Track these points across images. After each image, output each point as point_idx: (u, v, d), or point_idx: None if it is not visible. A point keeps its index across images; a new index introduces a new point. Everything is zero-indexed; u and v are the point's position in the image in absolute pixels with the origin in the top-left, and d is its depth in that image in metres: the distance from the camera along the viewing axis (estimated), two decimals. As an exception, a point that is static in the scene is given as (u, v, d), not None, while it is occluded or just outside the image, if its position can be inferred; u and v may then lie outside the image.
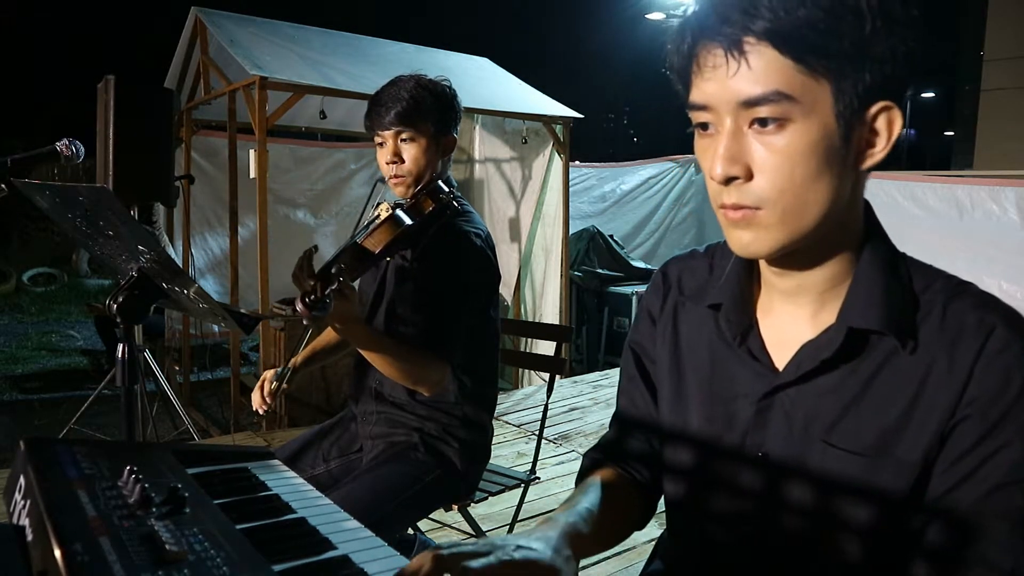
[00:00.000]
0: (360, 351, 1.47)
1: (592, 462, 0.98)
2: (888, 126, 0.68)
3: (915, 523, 0.74)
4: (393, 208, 1.47)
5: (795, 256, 0.74)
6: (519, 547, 0.64)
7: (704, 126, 0.71)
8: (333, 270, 1.22)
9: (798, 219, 0.68)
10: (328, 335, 1.83)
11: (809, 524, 0.76)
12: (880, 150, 0.69)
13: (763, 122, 0.66)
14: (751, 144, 0.67)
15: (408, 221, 1.46)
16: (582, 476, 0.96)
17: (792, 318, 0.79)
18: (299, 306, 1.22)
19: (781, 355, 0.79)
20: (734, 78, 0.66)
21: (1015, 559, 0.68)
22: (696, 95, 0.70)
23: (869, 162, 0.70)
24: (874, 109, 0.67)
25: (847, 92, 0.65)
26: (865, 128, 0.68)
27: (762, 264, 0.80)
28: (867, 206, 0.76)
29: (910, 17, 0.65)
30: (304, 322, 1.24)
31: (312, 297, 1.21)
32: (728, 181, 0.68)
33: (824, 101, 0.65)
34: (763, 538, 0.80)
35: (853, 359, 0.74)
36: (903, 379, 0.72)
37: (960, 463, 0.70)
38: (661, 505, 0.96)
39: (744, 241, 0.71)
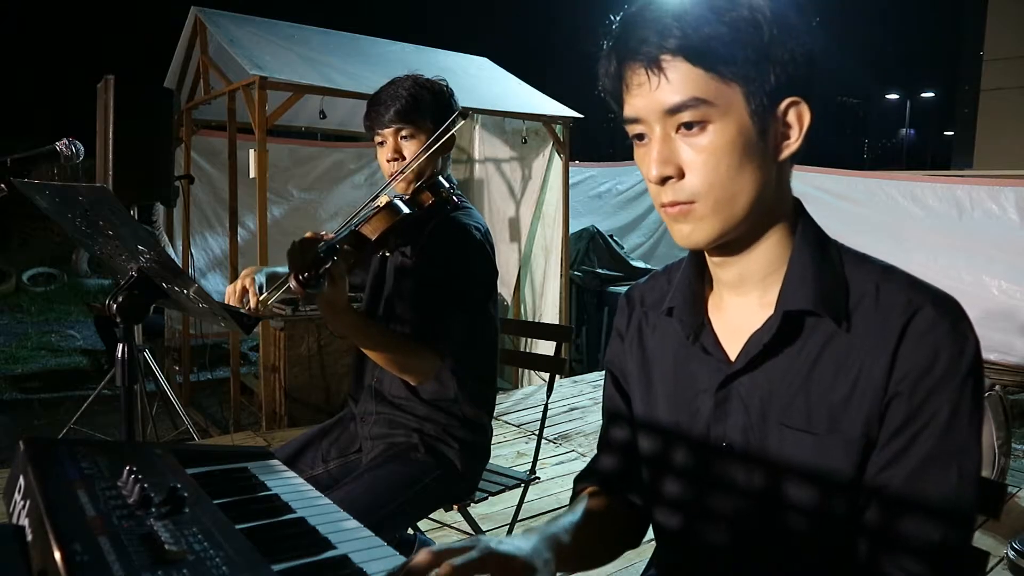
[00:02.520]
0: (354, 339, 1.48)
1: (581, 487, 1.01)
2: (799, 119, 0.76)
3: (860, 501, 0.77)
4: (391, 198, 1.49)
5: (731, 244, 0.80)
6: (502, 543, 0.67)
7: (640, 137, 0.78)
8: (323, 246, 1.28)
9: (729, 208, 0.75)
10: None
11: (778, 507, 0.79)
12: (794, 141, 0.76)
13: (688, 126, 0.74)
14: (680, 147, 0.75)
15: (405, 210, 1.47)
16: (572, 502, 0.99)
17: (740, 311, 0.83)
18: (293, 283, 1.27)
19: (734, 347, 0.83)
20: (657, 91, 0.73)
21: (944, 532, 0.72)
22: (628, 110, 0.77)
23: (786, 152, 0.77)
24: (783, 105, 0.75)
25: (756, 93, 0.73)
26: (779, 123, 0.75)
27: (708, 261, 0.85)
28: (796, 198, 0.82)
29: (805, 23, 0.74)
30: (300, 301, 1.29)
31: (306, 275, 1.26)
32: (663, 181, 0.75)
33: (738, 102, 0.73)
34: (737, 526, 0.83)
35: (794, 342, 0.79)
36: (844, 359, 0.76)
37: (893, 441, 0.74)
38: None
39: (685, 232, 0.77)
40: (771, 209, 0.78)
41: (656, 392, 0.91)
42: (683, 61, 0.72)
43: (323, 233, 1.41)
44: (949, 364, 0.72)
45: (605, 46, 0.78)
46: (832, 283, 0.78)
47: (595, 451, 1.04)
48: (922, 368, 0.72)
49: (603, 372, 5.12)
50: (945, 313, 0.73)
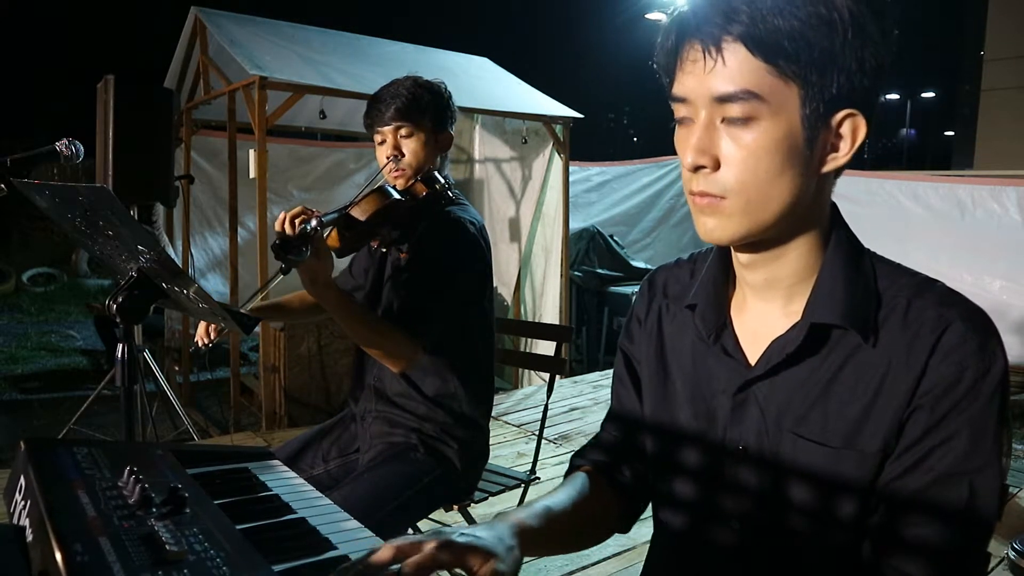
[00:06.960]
0: (334, 315, 1.48)
1: (576, 466, 1.00)
2: (852, 132, 0.72)
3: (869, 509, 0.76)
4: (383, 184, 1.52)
5: (761, 247, 0.78)
6: (463, 534, 0.65)
7: (684, 119, 0.75)
8: (314, 223, 1.31)
9: (760, 211, 0.72)
10: (300, 297, 1.80)
11: (786, 515, 0.79)
12: (843, 155, 0.73)
13: (734, 119, 0.70)
14: (721, 137, 0.72)
15: (396, 195, 1.51)
16: (566, 477, 0.98)
17: (764, 315, 0.82)
18: (272, 249, 1.29)
19: (755, 351, 0.81)
20: (710, 74, 0.70)
21: (951, 549, 0.71)
22: (677, 88, 0.74)
23: (832, 165, 0.73)
24: (840, 115, 0.71)
25: (814, 98, 0.69)
26: (830, 133, 0.72)
27: (735, 262, 0.83)
28: (833, 206, 0.80)
29: (883, 33, 0.69)
30: (281, 267, 1.30)
31: (283, 238, 1.28)
32: (697, 169, 0.73)
33: (792, 104, 0.69)
34: (745, 529, 0.82)
35: (818, 353, 0.77)
36: (867, 373, 0.75)
37: (909, 452, 0.73)
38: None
39: (708, 226, 0.75)
40: (804, 217, 0.76)
41: (674, 386, 0.89)
42: (744, 49, 0.68)
43: (314, 211, 1.43)
44: (973, 383, 0.70)
45: (669, 16, 0.74)
46: (863, 297, 0.75)
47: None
48: (947, 384, 0.71)
49: (603, 372, 5.15)
50: (975, 329, 0.71)
